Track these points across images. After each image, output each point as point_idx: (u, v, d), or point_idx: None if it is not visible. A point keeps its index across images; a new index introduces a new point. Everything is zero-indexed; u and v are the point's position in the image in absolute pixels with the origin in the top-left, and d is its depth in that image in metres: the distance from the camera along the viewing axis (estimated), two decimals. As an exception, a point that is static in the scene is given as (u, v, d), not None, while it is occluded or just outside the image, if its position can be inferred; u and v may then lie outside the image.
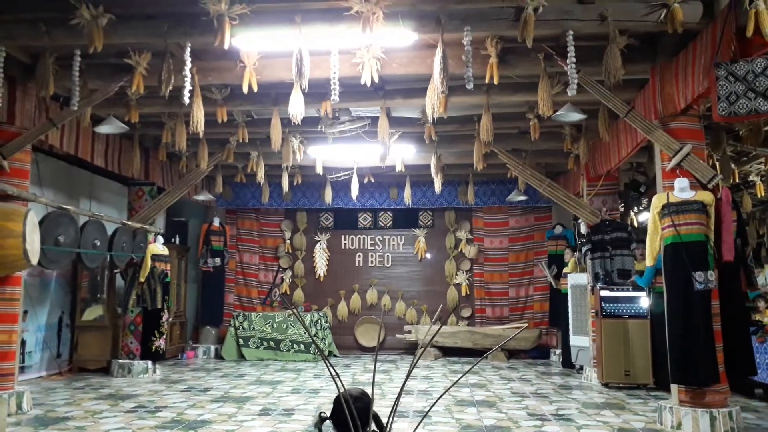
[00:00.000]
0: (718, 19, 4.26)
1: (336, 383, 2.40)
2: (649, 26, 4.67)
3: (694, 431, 4.62)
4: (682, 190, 4.91)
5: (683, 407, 4.77)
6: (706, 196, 4.86)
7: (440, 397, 2.50)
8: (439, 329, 2.49)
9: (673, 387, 4.95)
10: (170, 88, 4.95)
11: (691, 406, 4.74)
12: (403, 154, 8.05)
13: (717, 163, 7.20)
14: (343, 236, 11.20)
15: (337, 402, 2.60)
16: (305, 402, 5.97)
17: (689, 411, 4.70)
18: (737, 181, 8.63)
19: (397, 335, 10.26)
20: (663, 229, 4.98)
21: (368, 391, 2.67)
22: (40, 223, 5.63)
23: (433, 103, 5.37)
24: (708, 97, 4.48)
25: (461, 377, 2.44)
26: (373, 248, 11.17)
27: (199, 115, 5.49)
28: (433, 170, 8.17)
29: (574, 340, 8.01)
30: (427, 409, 2.82)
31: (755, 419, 5.17)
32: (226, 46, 4.57)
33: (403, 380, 2.42)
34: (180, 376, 7.79)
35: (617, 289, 6.96)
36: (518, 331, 2.77)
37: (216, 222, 10.31)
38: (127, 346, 7.83)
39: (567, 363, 8.43)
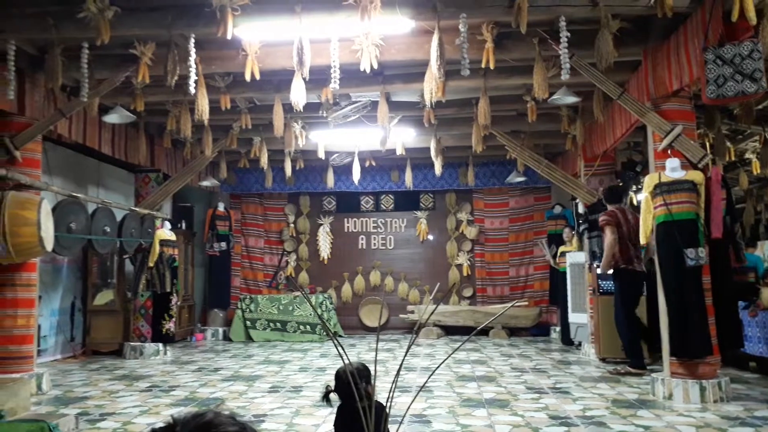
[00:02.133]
0: (706, 4, 4.37)
1: (341, 356, 2.59)
2: (640, 10, 4.80)
3: (684, 401, 4.83)
4: (673, 169, 5.07)
5: (674, 378, 4.97)
6: (697, 176, 5.01)
7: (438, 366, 2.69)
8: (435, 309, 2.66)
9: (666, 359, 5.15)
10: (175, 78, 5.10)
11: (682, 377, 4.94)
12: (403, 137, 8.20)
13: (711, 142, 7.33)
14: (345, 219, 11.39)
15: (338, 375, 2.81)
16: (312, 380, 6.19)
17: (680, 382, 4.90)
18: (734, 158, 8.75)
19: (401, 315, 10.50)
20: (655, 207, 5.14)
21: (370, 367, 2.87)
22: (53, 210, 5.82)
23: (431, 87, 5.50)
24: (698, 79, 4.61)
25: (459, 347, 2.63)
26: (375, 231, 11.36)
27: (203, 104, 5.64)
28: (433, 153, 8.32)
29: (573, 317, 8.21)
30: (427, 382, 3.01)
31: (745, 389, 5.37)
32: (228, 37, 4.70)
33: (403, 356, 2.61)
34: (190, 357, 8.03)
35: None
36: (508, 306, 2.95)
37: (221, 207, 10.50)
38: (138, 329, 8.06)
39: (566, 340, 8.65)
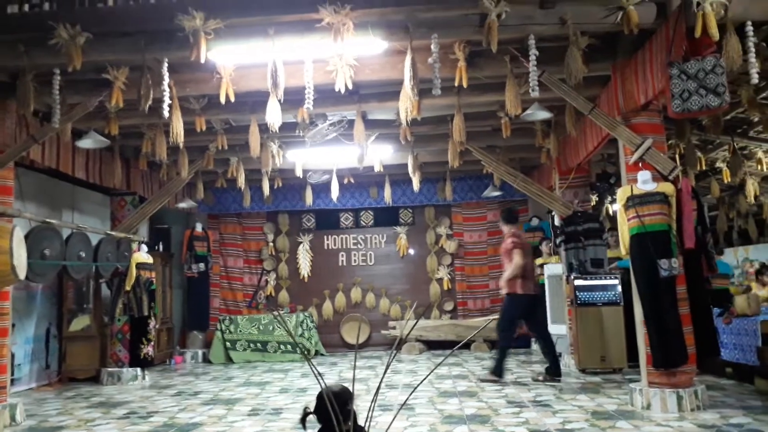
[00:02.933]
0: (670, 21, 4.50)
1: (319, 381, 2.58)
2: (608, 27, 4.91)
3: (662, 410, 4.88)
4: (644, 182, 5.16)
5: (652, 388, 5.03)
6: (668, 188, 5.11)
7: (419, 385, 2.69)
8: (414, 325, 2.68)
9: (643, 370, 5.21)
10: (149, 102, 5.09)
11: (659, 387, 5.00)
12: (381, 154, 8.24)
13: (681, 152, 7.48)
14: (325, 236, 11.38)
15: (319, 398, 2.79)
16: (293, 401, 6.15)
17: (658, 392, 4.96)
18: (704, 168, 8.95)
19: (382, 331, 10.48)
20: (628, 220, 5.23)
21: (350, 387, 2.86)
22: (26, 237, 5.73)
23: (406, 106, 5.57)
24: (664, 93, 4.72)
25: (440, 364, 2.64)
26: (355, 247, 11.36)
27: (178, 127, 5.63)
28: (410, 169, 8.37)
29: (553, 329, 8.24)
30: (408, 400, 3.01)
31: (722, 396, 5.45)
32: (202, 60, 4.72)
33: (383, 374, 2.61)
34: (169, 381, 7.92)
35: (591, 278, 7.22)
36: (490, 320, 2.97)
37: (198, 227, 10.42)
38: (116, 355, 7.94)
39: (547, 351, 8.68)
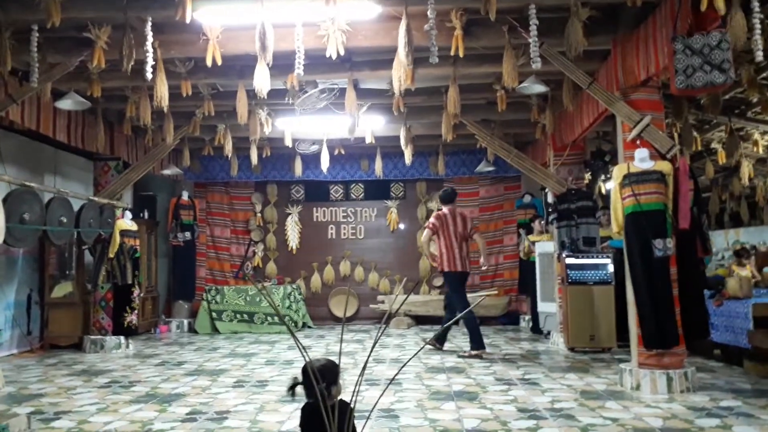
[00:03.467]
0: (676, -7, 4.32)
1: (303, 355, 2.47)
2: (610, -1, 4.74)
3: (652, 391, 4.84)
4: (642, 160, 5.04)
5: (642, 369, 4.97)
6: (665, 166, 5.00)
7: (407, 362, 2.59)
8: (404, 302, 2.57)
9: (633, 350, 5.16)
10: (132, 63, 4.87)
11: (650, 368, 4.94)
12: (372, 125, 8.06)
13: (678, 132, 7.36)
14: (314, 208, 11.23)
15: (304, 371, 2.69)
16: (279, 373, 6.07)
17: (648, 373, 4.91)
18: (700, 148, 8.85)
19: (371, 305, 10.41)
20: (624, 198, 5.11)
21: (336, 360, 2.76)
22: (3, 200, 5.55)
23: (399, 75, 5.38)
24: (667, 69, 4.57)
25: (428, 342, 2.53)
26: (345, 220, 11.22)
27: (162, 90, 5.43)
28: (402, 142, 8.20)
29: (542, 307, 8.22)
30: (395, 376, 2.92)
31: (711, 378, 5.42)
32: (188, 20, 4.49)
33: (371, 349, 2.50)
34: (153, 350, 7.82)
35: (582, 257, 7.14)
36: (482, 298, 2.86)
37: (185, 196, 10.24)
38: (99, 322, 7.81)
39: (536, 329, 8.67)
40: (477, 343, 6.81)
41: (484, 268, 7.58)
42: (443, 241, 7.05)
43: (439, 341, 7.21)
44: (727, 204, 11.65)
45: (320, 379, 2.54)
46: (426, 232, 7.18)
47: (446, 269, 7.05)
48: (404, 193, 11.16)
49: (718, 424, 3.96)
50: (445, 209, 7.23)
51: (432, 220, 7.19)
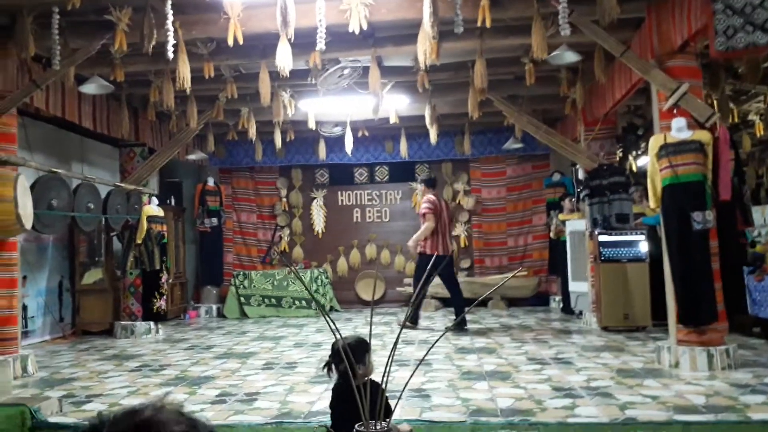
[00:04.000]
0: (716, -51, 4.09)
1: (334, 333, 2.41)
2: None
3: (691, 369, 4.67)
4: (679, 130, 4.84)
5: (681, 346, 4.81)
6: (704, 136, 4.79)
7: (438, 339, 2.50)
8: (429, 283, 2.48)
9: (671, 327, 4.99)
10: (153, 43, 4.82)
11: (689, 345, 4.78)
12: (396, 105, 7.91)
13: (715, 103, 7.08)
14: (339, 192, 11.16)
15: (334, 349, 2.65)
16: (308, 355, 6.03)
17: (687, 350, 4.74)
18: (736, 120, 8.53)
19: (398, 288, 10.33)
20: (661, 170, 4.92)
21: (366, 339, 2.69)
22: (31, 187, 5.58)
23: (425, 49, 5.24)
24: (705, 33, 4.36)
25: (458, 320, 2.43)
26: (370, 203, 11.13)
27: (184, 71, 5.37)
28: (427, 121, 8.05)
29: (574, 286, 8.05)
30: (426, 356, 2.84)
31: (752, 356, 5.23)
32: (208, -2, 4.42)
33: (399, 330, 2.42)
34: (183, 335, 7.86)
35: (615, 234, 6.95)
36: (509, 276, 2.76)
37: (210, 182, 10.25)
38: (129, 308, 7.87)
39: (567, 309, 8.51)
40: (460, 324, 6.97)
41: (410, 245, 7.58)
42: (438, 226, 7.22)
43: (412, 321, 7.30)
44: (764, 179, 11.26)
45: (351, 355, 2.49)
46: (431, 218, 7.24)
47: (440, 253, 7.12)
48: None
49: (764, 400, 3.80)
50: (430, 194, 7.42)
51: (428, 205, 7.31)
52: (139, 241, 7.59)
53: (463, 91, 7.33)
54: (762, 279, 5.89)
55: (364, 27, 4.94)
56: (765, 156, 10.21)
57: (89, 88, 6.06)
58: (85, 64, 5.85)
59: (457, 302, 7.30)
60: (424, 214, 7.35)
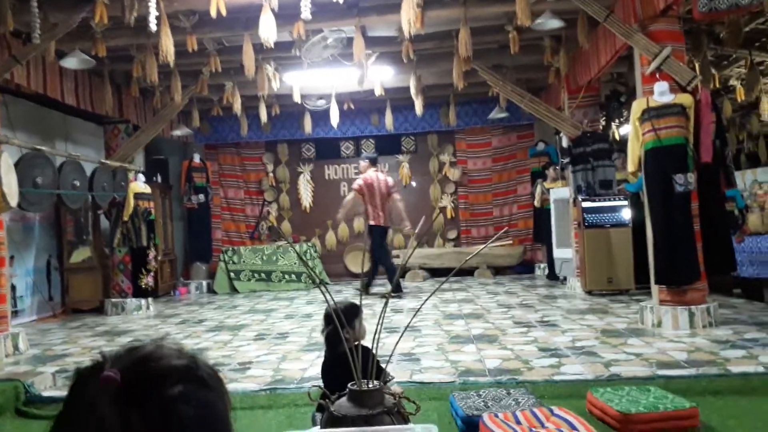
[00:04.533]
0: None
1: (327, 300, 2.46)
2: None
3: (673, 327, 4.81)
4: (661, 93, 4.90)
5: (663, 306, 4.94)
6: (686, 99, 4.86)
7: (425, 301, 2.56)
8: (414, 248, 2.53)
9: (654, 288, 5.11)
10: (134, 15, 4.77)
11: (671, 304, 4.90)
12: (381, 76, 7.89)
13: (697, 68, 7.14)
14: (326, 166, 11.15)
15: (326, 315, 2.70)
16: (299, 326, 6.11)
17: (669, 309, 4.87)
18: (718, 86, 8.61)
19: (386, 260, 10.40)
20: (643, 134, 4.99)
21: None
22: (15, 165, 5.53)
23: (409, 18, 5.23)
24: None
25: (446, 279, 2.50)
26: (357, 177, 11.09)
27: (167, 44, 5.32)
28: (413, 92, 8.05)
29: (558, 253, 8.17)
30: (414, 322, 2.91)
31: (732, 314, 5.37)
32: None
33: (388, 294, 2.48)
34: (174, 311, 7.90)
35: (599, 200, 7.05)
36: (492, 240, 2.82)
37: (196, 158, 10.20)
38: (119, 285, 7.88)
39: (552, 276, 8.65)
40: (396, 288, 7.97)
41: (407, 229, 8.40)
42: (369, 200, 8.01)
43: (366, 289, 8.07)
44: (744, 144, 11.42)
45: (342, 318, 2.55)
46: (351, 195, 8.25)
47: (373, 223, 8.02)
48: (415, 146, 11.04)
49: (744, 354, 3.93)
50: (370, 172, 8.15)
51: (359, 182, 8.13)
52: (126, 219, 7.57)
53: (447, 62, 7.34)
54: (742, 240, 6.03)
55: (348, -4, 4.92)
56: (745, 121, 10.34)
57: (70, 62, 5.98)
58: (66, 39, 5.78)
59: (388, 270, 7.95)
60: (352, 189, 8.31)
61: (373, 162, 8.39)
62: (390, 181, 8.29)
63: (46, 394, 3.96)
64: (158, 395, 0.69)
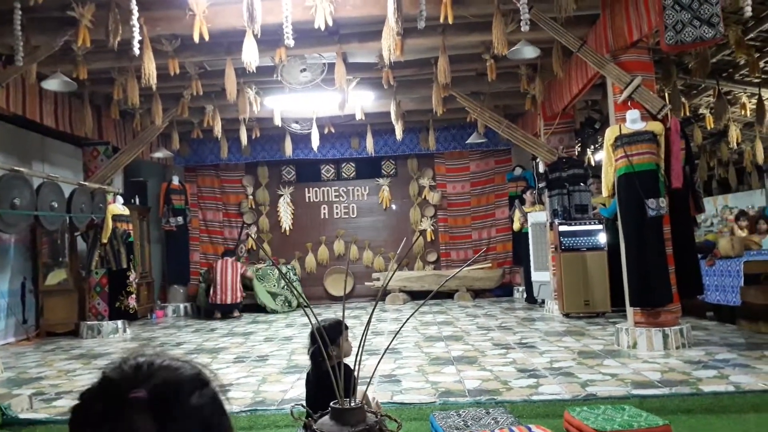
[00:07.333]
0: (664, -52, 4.32)
1: (310, 318, 2.49)
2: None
3: (648, 348, 4.91)
4: (633, 121, 5.07)
5: (638, 328, 5.04)
6: (657, 126, 5.03)
7: (406, 321, 2.61)
8: (395, 271, 2.59)
9: (629, 310, 5.22)
10: (118, 39, 4.82)
11: (646, 326, 5.01)
12: (362, 101, 8.01)
13: (667, 96, 7.39)
14: (306, 189, 11.20)
15: (311, 334, 2.74)
16: (278, 348, 6.09)
17: (644, 331, 4.98)
18: (688, 114, 8.90)
19: (366, 283, 10.43)
20: (616, 160, 5.15)
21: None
22: (-7, 186, 5.50)
23: (389, 45, 5.36)
24: (657, 29, 4.58)
25: (426, 301, 2.55)
26: (337, 199, 11.20)
27: (150, 68, 5.37)
28: (393, 117, 8.18)
29: (536, 276, 8.28)
30: (395, 344, 2.95)
31: (705, 335, 5.50)
32: (173, -7, 4.45)
33: (369, 317, 2.53)
34: (151, 333, 7.82)
35: (575, 224, 7.19)
36: (470, 262, 2.89)
37: (175, 180, 10.17)
38: (95, 308, 7.79)
39: (530, 299, 8.75)
40: None
41: None
42: None
43: None
44: (715, 170, 11.75)
45: (325, 335, 2.59)
46: None
47: None
48: (396, 170, 11.16)
49: (715, 374, 4.03)
50: None
51: None
52: (104, 240, 7.52)
53: (427, 88, 7.49)
54: (713, 264, 6.19)
55: (330, 23, 5.04)
56: (716, 148, 10.65)
57: (51, 84, 5.98)
58: (47, 62, 5.79)
59: None
60: None
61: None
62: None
63: (23, 416, 3.90)
64: (186, 405, 0.75)
